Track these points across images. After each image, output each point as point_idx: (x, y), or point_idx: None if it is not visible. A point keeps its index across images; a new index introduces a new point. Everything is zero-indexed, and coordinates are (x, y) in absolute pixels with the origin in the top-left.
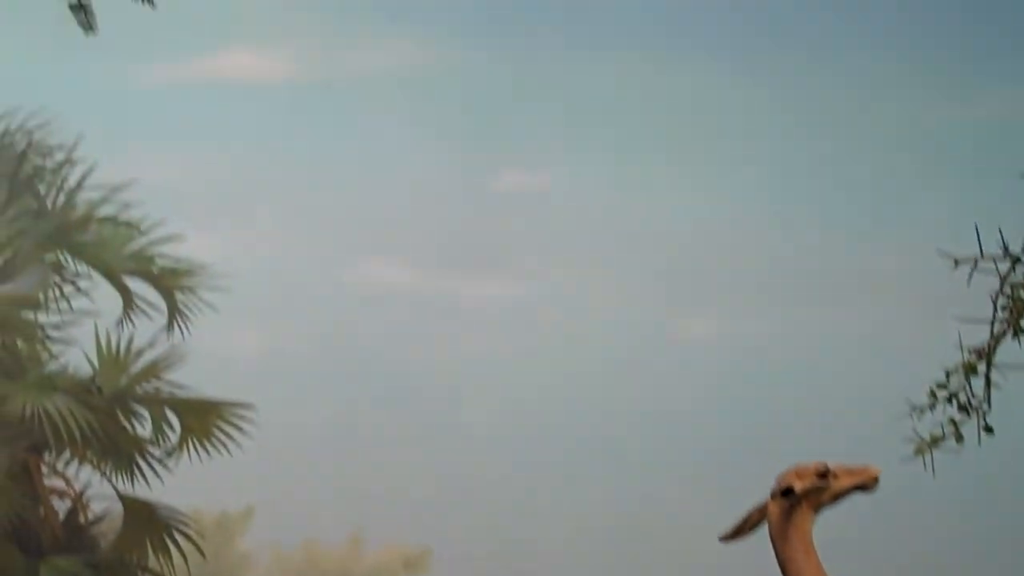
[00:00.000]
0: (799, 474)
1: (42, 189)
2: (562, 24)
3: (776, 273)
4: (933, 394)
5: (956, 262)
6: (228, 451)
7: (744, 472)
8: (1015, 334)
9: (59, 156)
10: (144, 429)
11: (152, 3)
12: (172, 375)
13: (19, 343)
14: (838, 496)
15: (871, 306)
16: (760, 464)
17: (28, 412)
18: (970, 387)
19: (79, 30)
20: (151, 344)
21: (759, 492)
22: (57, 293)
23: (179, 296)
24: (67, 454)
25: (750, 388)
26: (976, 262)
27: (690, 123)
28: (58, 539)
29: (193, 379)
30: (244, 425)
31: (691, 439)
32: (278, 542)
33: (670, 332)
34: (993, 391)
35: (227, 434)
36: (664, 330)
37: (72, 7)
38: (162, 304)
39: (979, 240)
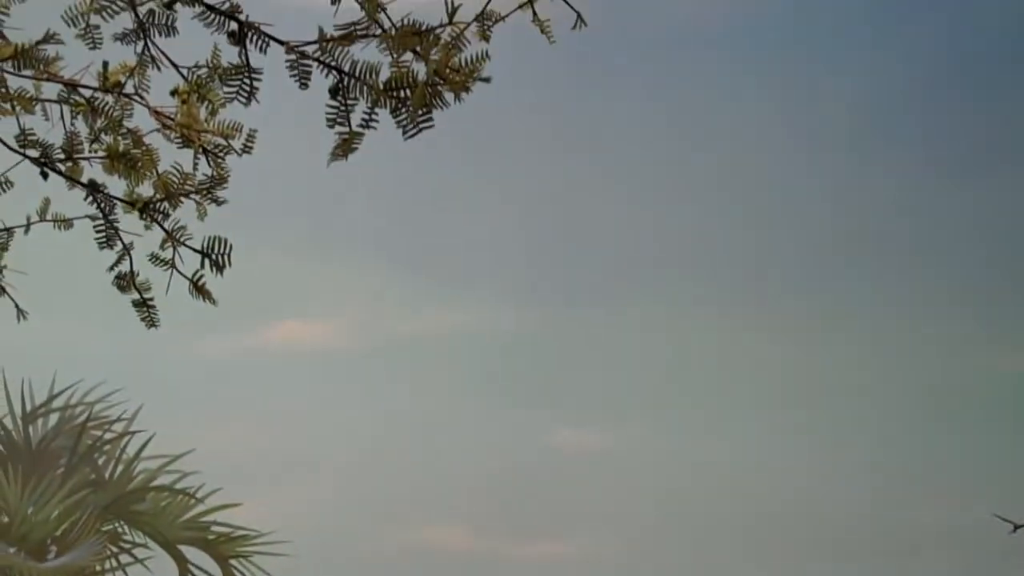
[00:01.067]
0: None
1: (101, 460)
2: (613, 285)
3: (832, 529)
4: None
5: (1015, 526)
6: None
7: None
8: None
9: (118, 427)
10: None
11: (215, 302)
12: None
13: None
14: None
15: (928, 565)
16: None
17: None
18: None
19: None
20: None
21: None
22: (114, 563)
23: (234, 563)
24: None
25: None
26: None
27: (743, 383)
28: None
29: None
30: None
31: None
32: None
33: None
34: None
35: None
36: None
37: (135, 303)
38: (218, 571)
39: None
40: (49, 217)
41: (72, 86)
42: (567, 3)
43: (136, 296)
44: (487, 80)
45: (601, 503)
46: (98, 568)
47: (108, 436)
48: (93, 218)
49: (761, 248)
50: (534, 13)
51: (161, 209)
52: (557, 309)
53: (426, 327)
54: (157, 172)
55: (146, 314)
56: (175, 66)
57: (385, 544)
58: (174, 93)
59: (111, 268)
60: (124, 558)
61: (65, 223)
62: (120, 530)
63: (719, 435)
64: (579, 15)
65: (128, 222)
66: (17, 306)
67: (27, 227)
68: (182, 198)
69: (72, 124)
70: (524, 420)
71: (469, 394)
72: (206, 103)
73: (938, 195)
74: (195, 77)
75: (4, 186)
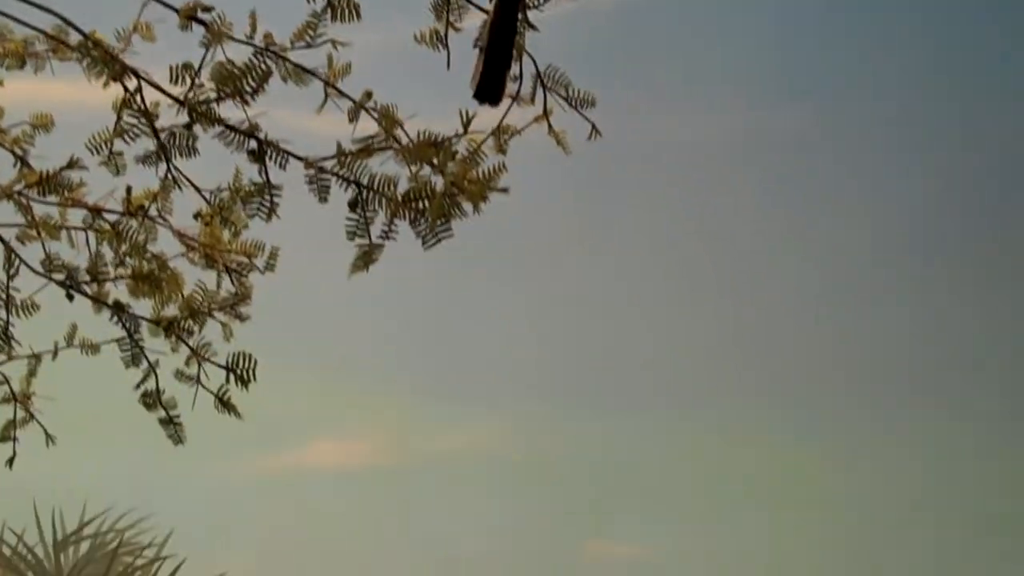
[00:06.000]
0: None
1: None
2: (638, 393)
3: None
4: None
5: None
6: None
7: None
8: None
9: (149, 553)
10: None
11: (239, 414)
12: None
13: None
14: None
15: None
16: None
17: None
18: None
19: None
20: None
21: None
22: None
23: None
24: None
25: None
26: None
27: (765, 486)
28: None
29: None
30: None
31: None
32: None
33: None
34: None
35: None
36: None
37: (162, 421)
38: None
39: None
40: (76, 343)
41: (97, 211)
42: (582, 114)
43: (162, 414)
44: (504, 191)
45: None
46: None
47: (139, 562)
48: (119, 341)
49: None
50: (549, 126)
51: (186, 327)
52: (587, 419)
53: (456, 443)
54: (183, 295)
55: (173, 431)
56: (197, 190)
57: None
58: (197, 216)
59: (137, 386)
60: None
61: (92, 348)
62: None
63: (756, 544)
64: (593, 126)
65: (154, 342)
66: (46, 431)
67: (55, 353)
68: (206, 316)
69: (97, 248)
70: (554, 532)
71: (498, 506)
72: (229, 225)
73: None
74: (217, 200)
75: (30, 310)
